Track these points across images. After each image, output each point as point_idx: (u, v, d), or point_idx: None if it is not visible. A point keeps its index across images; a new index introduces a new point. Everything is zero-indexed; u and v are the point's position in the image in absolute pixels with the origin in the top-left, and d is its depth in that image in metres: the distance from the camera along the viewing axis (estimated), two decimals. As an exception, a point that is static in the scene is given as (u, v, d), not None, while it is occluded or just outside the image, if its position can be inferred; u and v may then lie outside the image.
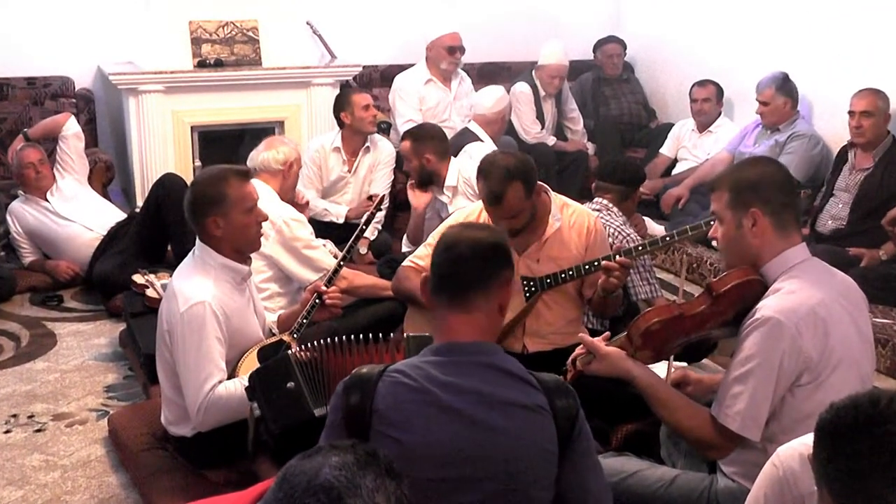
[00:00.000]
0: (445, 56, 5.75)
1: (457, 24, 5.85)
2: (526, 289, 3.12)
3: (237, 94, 5.64)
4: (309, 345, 2.63)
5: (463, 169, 4.54)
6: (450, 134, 4.99)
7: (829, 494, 1.41)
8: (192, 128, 5.62)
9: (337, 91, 5.54)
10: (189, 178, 4.71)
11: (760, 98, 5.25)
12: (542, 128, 6.04)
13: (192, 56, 5.51)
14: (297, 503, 1.18)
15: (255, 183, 3.00)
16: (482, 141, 5.00)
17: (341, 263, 3.30)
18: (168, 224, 4.48)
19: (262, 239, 2.98)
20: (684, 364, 3.14)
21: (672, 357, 2.65)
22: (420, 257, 3.34)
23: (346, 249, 3.30)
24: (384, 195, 4.61)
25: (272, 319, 3.30)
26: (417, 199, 4.58)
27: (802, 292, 2.24)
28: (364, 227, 3.37)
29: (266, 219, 2.93)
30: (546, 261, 3.15)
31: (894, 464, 1.35)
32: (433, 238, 3.26)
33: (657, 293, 3.70)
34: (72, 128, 5.02)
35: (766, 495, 1.77)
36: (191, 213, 2.81)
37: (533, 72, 6.09)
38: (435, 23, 5.90)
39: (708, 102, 5.87)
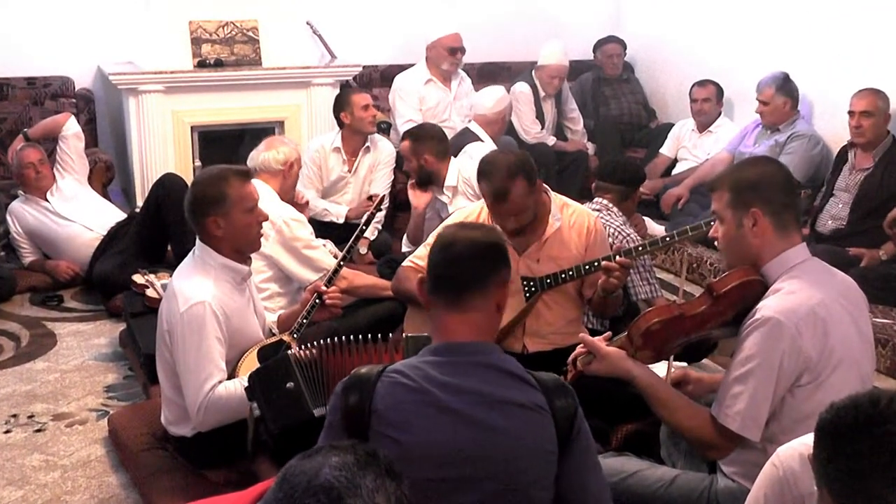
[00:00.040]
0: (447, 57, 5.74)
1: (457, 24, 5.84)
2: (526, 289, 3.12)
3: (237, 94, 5.64)
4: (309, 345, 2.63)
5: (463, 169, 4.54)
6: (450, 134, 4.99)
7: (829, 494, 1.41)
8: (192, 128, 5.62)
9: (337, 91, 5.54)
10: (189, 178, 4.71)
11: (760, 97, 5.26)
12: (542, 128, 6.04)
13: (192, 56, 5.51)
14: (297, 503, 1.18)
15: (256, 183, 3.00)
16: (482, 141, 5.00)
17: (341, 263, 3.30)
18: (168, 224, 4.48)
19: (262, 239, 2.98)
20: (684, 364, 3.14)
21: (672, 357, 2.65)
22: (420, 257, 3.34)
23: (346, 249, 3.31)
24: (384, 195, 4.61)
25: (272, 319, 3.30)
26: (418, 198, 4.58)
27: (802, 292, 2.24)
28: (364, 227, 3.37)
29: (266, 219, 2.94)
30: (546, 260, 3.15)
31: (894, 464, 1.35)
32: (433, 238, 3.26)
33: (657, 293, 3.70)
34: (72, 128, 5.02)
35: (766, 495, 1.77)
36: (191, 213, 2.81)
37: (533, 72, 6.09)
38: (435, 23, 5.90)
39: (708, 102, 5.87)
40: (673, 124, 6.24)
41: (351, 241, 3.30)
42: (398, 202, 5.37)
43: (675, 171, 6.00)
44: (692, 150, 5.97)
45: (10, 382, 3.82)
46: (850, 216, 4.67)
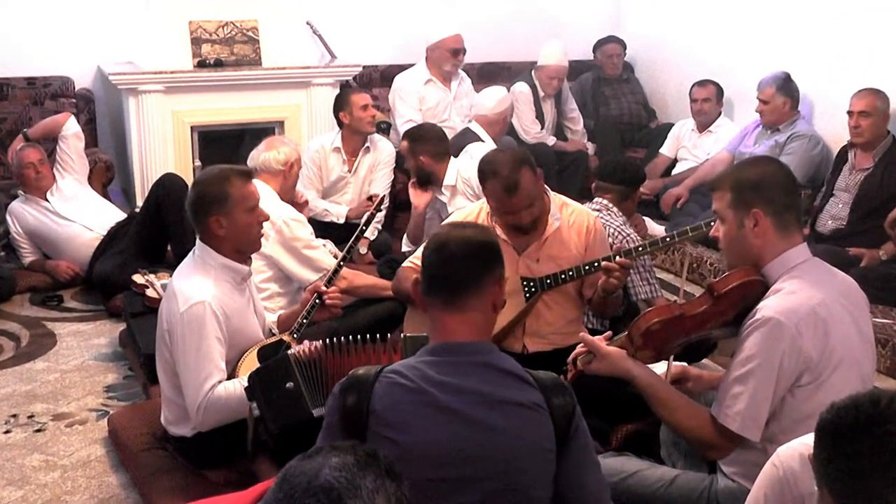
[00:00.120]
0: (449, 58, 5.74)
1: (457, 24, 5.84)
2: (526, 289, 3.12)
3: (237, 94, 5.64)
4: (309, 342, 2.64)
5: (462, 169, 4.54)
6: (450, 134, 4.99)
7: (829, 494, 1.41)
8: (192, 128, 5.62)
9: (337, 91, 5.54)
10: (189, 178, 4.71)
11: (761, 96, 5.26)
12: (542, 128, 6.04)
13: (192, 56, 5.51)
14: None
15: (256, 183, 3.00)
16: (483, 141, 5.00)
17: (341, 263, 3.30)
18: (168, 224, 4.48)
19: (262, 239, 2.98)
20: (684, 364, 3.14)
21: (672, 357, 2.65)
22: (420, 258, 3.34)
23: (346, 249, 3.30)
24: (384, 195, 4.61)
25: (272, 319, 3.30)
26: (418, 198, 4.58)
27: (803, 293, 2.24)
28: (364, 227, 3.37)
29: (267, 218, 2.94)
30: (546, 260, 3.15)
31: (895, 464, 1.35)
32: (431, 239, 3.27)
33: (657, 293, 3.70)
34: (72, 128, 5.02)
35: (767, 495, 1.77)
36: (193, 213, 2.81)
37: (532, 72, 6.09)
38: (435, 23, 5.90)
39: (708, 102, 5.87)
40: (673, 124, 6.24)
41: (351, 241, 3.30)
42: (398, 202, 5.37)
43: (675, 171, 6.00)
44: (692, 150, 5.97)
45: (10, 382, 3.81)
46: (850, 216, 4.66)
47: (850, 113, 4.65)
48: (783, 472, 1.73)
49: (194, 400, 2.68)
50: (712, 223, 2.55)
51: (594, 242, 3.19)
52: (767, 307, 2.23)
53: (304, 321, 3.06)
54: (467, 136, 5.07)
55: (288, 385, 2.52)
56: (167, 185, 4.55)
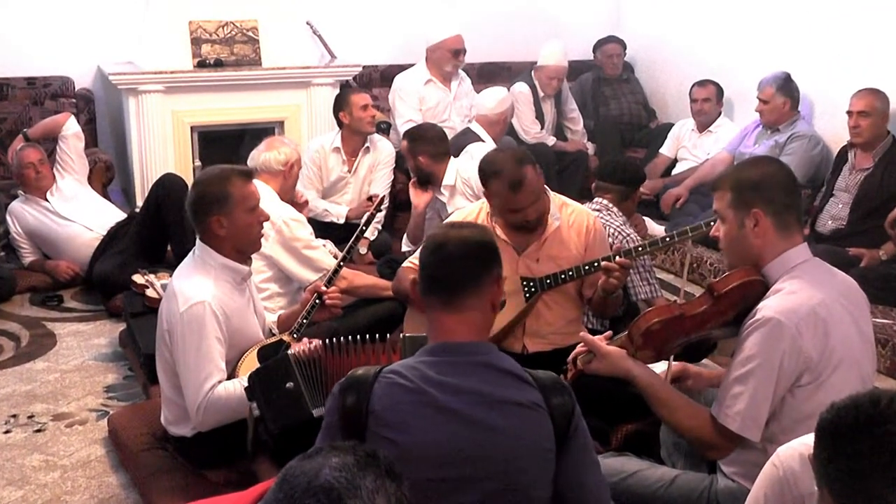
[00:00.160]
0: (450, 58, 5.74)
1: (457, 24, 5.84)
2: (526, 289, 3.12)
3: (237, 94, 5.64)
4: (308, 340, 2.64)
5: (462, 169, 4.54)
6: (450, 134, 4.99)
7: (829, 494, 1.41)
8: (192, 128, 5.62)
9: (337, 91, 5.54)
10: (189, 179, 4.71)
11: (761, 96, 5.26)
12: (542, 128, 6.04)
13: (192, 56, 5.51)
14: (297, 504, 1.19)
15: (256, 183, 3.00)
16: (483, 142, 5.00)
17: (341, 263, 3.30)
18: (168, 224, 4.48)
19: (262, 239, 2.98)
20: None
21: (672, 357, 2.65)
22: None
23: (346, 250, 3.30)
24: (384, 195, 4.62)
25: (272, 319, 3.30)
26: (418, 197, 4.58)
27: (803, 293, 2.24)
28: (364, 227, 3.37)
29: (267, 219, 2.94)
30: (546, 260, 3.15)
31: (895, 464, 1.35)
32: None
33: (657, 293, 3.70)
34: (72, 128, 5.02)
35: (767, 495, 1.77)
36: (193, 213, 2.81)
37: (532, 72, 6.09)
38: (435, 23, 5.90)
39: (708, 102, 5.87)
40: (673, 124, 6.24)
41: (351, 241, 3.30)
42: (398, 202, 5.37)
43: (675, 171, 6.00)
44: (692, 150, 5.97)
45: (10, 382, 3.81)
46: (850, 216, 4.66)
47: (849, 113, 4.65)
48: (783, 472, 1.73)
49: (194, 400, 2.68)
50: (712, 223, 2.55)
51: (594, 242, 3.19)
52: (767, 307, 2.23)
53: (304, 321, 3.06)
54: (468, 137, 5.07)
55: (288, 385, 2.52)
56: (167, 185, 4.56)
